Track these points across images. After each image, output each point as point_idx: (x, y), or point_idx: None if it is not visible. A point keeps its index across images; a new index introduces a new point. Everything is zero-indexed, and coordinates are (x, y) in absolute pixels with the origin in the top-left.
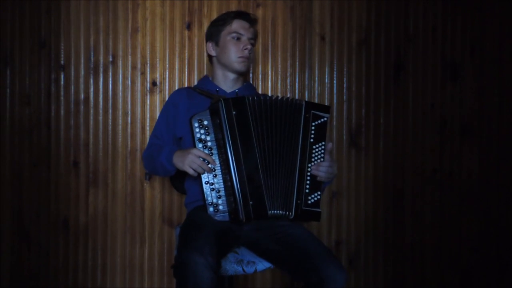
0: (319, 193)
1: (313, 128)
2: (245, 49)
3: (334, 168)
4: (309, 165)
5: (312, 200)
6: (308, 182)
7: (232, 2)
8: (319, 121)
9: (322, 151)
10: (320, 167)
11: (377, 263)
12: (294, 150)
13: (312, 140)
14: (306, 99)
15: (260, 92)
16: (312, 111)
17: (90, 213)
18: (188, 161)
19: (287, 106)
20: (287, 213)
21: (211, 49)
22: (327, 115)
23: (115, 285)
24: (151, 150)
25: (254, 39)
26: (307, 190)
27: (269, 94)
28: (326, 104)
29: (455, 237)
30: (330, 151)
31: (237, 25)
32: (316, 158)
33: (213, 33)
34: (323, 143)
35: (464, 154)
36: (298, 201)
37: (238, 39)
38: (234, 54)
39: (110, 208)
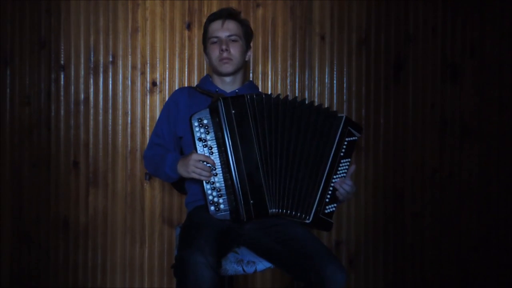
0: (335, 205)
1: (345, 143)
2: (222, 50)
3: (354, 191)
4: (334, 176)
5: (329, 210)
6: (330, 192)
7: (232, 2)
8: (351, 139)
9: (347, 167)
10: (344, 184)
11: (377, 263)
12: (323, 157)
13: (342, 154)
14: (306, 99)
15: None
16: (349, 127)
17: (90, 213)
18: (191, 168)
19: (316, 113)
20: (303, 216)
21: (206, 58)
22: (359, 135)
23: (115, 285)
24: (153, 154)
25: (236, 34)
26: (327, 200)
27: (311, 99)
28: (359, 124)
29: (455, 237)
30: (352, 173)
31: (211, 28)
32: (341, 172)
33: (203, 44)
34: (349, 160)
35: (464, 154)
36: (318, 208)
37: (216, 42)
38: (215, 58)
39: (110, 208)
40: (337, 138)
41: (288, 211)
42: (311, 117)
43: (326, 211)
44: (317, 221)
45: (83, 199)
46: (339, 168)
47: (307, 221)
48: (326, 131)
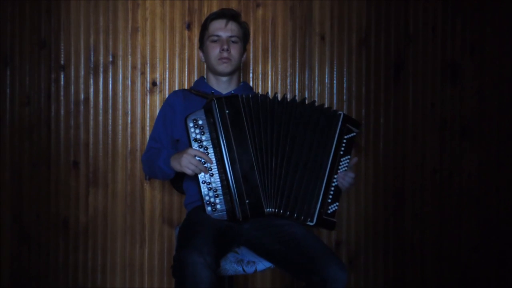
0: (337, 204)
1: (344, 141)
2: (223, 50)
3: (354, 181)
4: (335, 176)
5: (331, 210)
6: (332, 192)
7: (232, 2)
8: (350, 135)
9: (347, 165)
10: (346, 177)
11: (377, 263)
12: (323, 159)
13: (341, 152)
14: (306, 99)
15: (260, 91)
16: (347, 124)
17: (90, 213)
18: (185, 162)
19: (313, 112)
20: (305, 218)
21: (201, 56)
22: (357, 130)
23: (115, 285)
24: (149, 155)
25: (237, 36)
26: (329, 200)
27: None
28: (357, 119)
29: (455, 237)
30: (353, 165)
31: (212, 27)
32: (342, 170)
33: (200, 41)
34: (349, 157)
35: (464, 154)
36: (321, 210)
37: (216, 41)
38: (214, 57)
39: (110, 208)
40: (335, 138)
41: (288, 212)
42: (310, 117)
43: (329, 211)
44: (321, 222)
45: (83, 199)
46: (340, 167)
47: (310, 223)
48: (326, 130)
